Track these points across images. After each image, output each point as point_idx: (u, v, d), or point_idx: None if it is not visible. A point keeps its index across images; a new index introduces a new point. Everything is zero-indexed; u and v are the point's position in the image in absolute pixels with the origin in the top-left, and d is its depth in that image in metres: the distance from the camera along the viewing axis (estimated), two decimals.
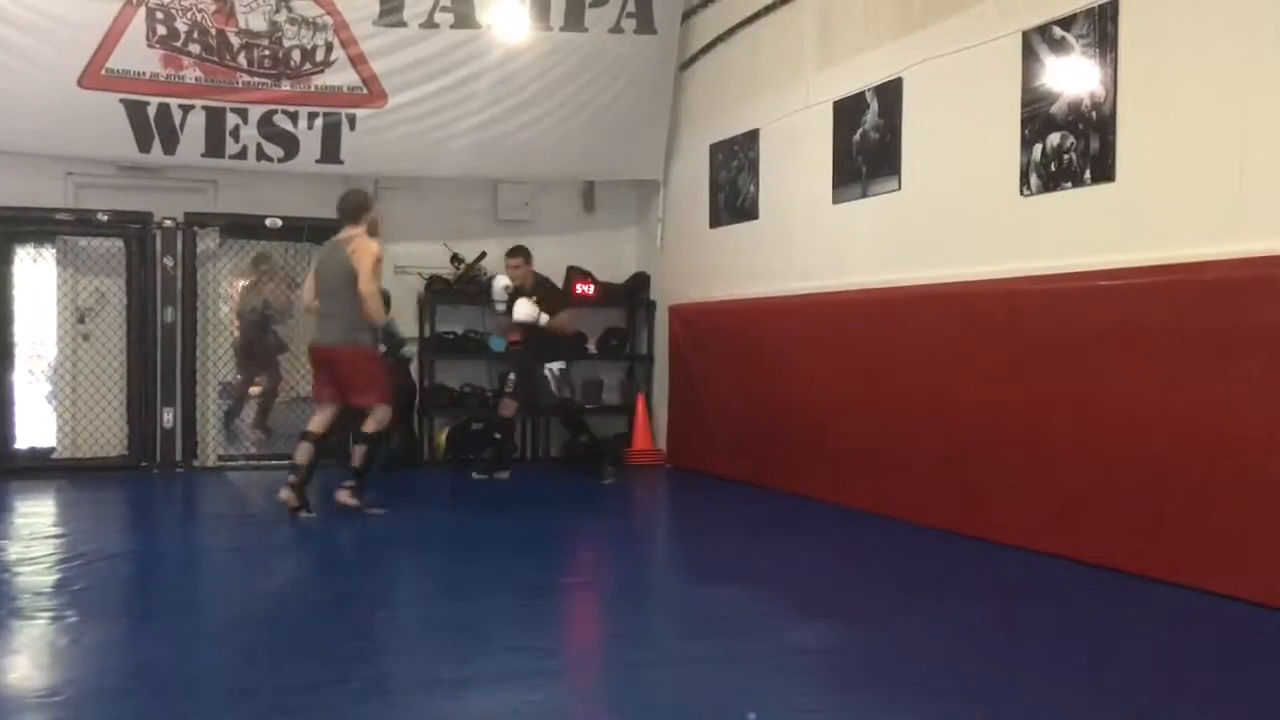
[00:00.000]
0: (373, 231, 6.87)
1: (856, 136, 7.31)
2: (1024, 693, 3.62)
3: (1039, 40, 5.81)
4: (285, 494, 6.67)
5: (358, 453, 6.78)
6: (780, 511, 7.38)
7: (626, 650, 4.25)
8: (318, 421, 6.83)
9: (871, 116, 7.17)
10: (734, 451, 8.65)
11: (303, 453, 6.75)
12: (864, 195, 7.25)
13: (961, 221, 6.39)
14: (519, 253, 8.56)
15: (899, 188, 6.93)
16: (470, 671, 3.82)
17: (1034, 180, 5.85)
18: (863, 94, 7.23)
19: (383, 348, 7.51)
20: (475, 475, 8.49)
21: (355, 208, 6.84)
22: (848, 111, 7.39)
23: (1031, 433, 5.75)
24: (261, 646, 4.21)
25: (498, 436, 8.74)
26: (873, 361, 7.04)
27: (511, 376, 8.62)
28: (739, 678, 3.81)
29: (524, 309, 8.21)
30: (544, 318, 8.22)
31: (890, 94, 6.98)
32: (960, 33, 6.36)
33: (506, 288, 8.36)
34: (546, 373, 8.33)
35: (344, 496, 6.69)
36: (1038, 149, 5.82)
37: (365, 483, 6.78)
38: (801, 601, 4.91)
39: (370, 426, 6.75)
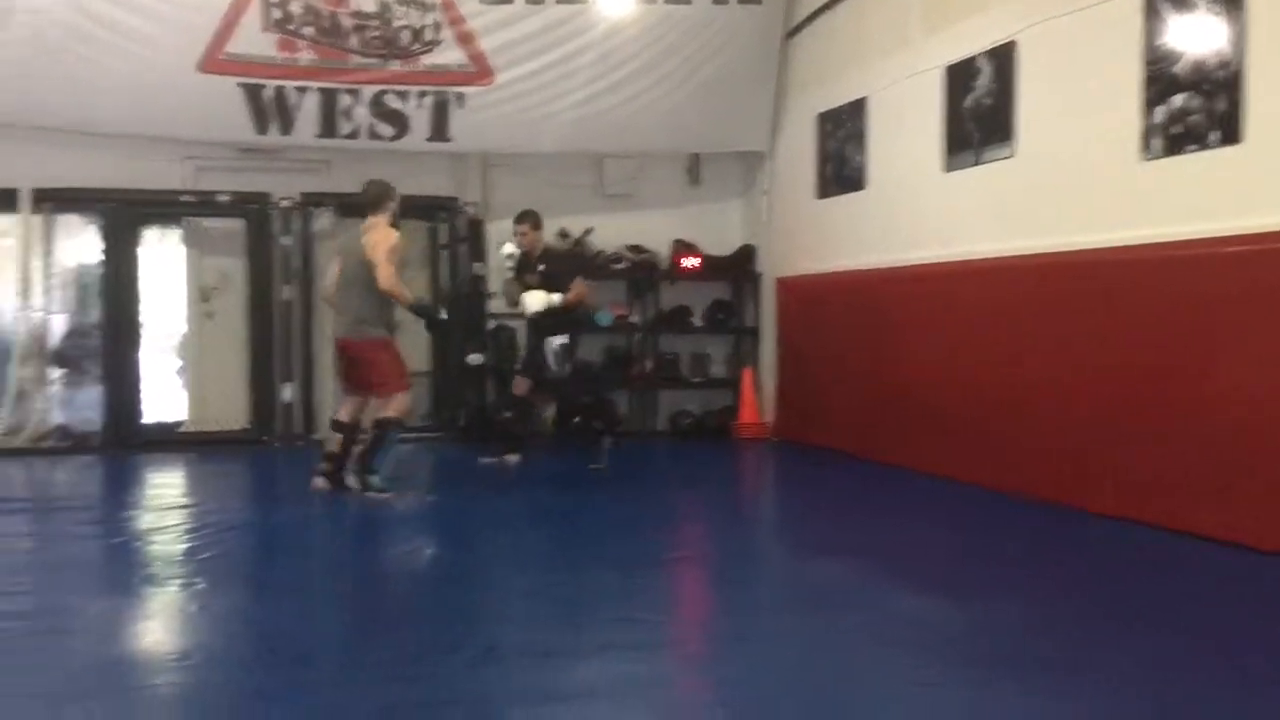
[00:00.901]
0: (393, 222, 6.80)
1: (968, 102, 7.13)
2: (1137, 671, 3.52)
3: None
4: (319, 482, 6.67)
5: (370, 437, 6.63)
6: (889, 484, 7.30)
7: (732, 622, 4.26)
8: (346, 411, 6.84)
9: (984, 81, 6.98)
10: (842, 424, 8.56)
11: (332, 441, 6.82)
12: (976, 163, 7.08)
13: (1079, 188, 6.19)
14: (526, 218, 7.86)
15: (1013, 154, 6.74)
16: (576, 642, 3.87)
17: (1156, 144, 5.63)
18: (974, 59, 7.04)
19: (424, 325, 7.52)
20: (482, 461, 7.93)
21: (376, 198, 6.79)
22: (959, 77, 7.21)
23: (1153, 404, 5.56)
24: (376, 615, 4.34)
25: (507, 415, 8.20)
26: (984, 332, 6.89)
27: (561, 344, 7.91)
28: (848, 650, 3.79)
29: (536, 301, 7.56)
30: (556, 298, 7.58)
31: (1004, 58, 6.78)
32: None
33: (511, 255, 7.73)
34: (547, 347, 7.76)
35: (351, 481, 6.66)
36: (1160, 111, 5.60)
37: (372, 465, 6.60)
38: (911, 574, 4.85)
39: (388, 412, 6.64)
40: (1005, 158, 6.80)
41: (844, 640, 3.90)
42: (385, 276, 6.48)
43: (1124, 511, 5.65)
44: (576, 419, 8.23)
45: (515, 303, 7.80)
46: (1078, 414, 6.06)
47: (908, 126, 7.79)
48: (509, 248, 7.76)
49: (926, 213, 7.60)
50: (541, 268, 7.73)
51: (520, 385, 8.08)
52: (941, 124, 7.39)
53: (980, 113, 7.03)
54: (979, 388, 6.92)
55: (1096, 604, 4.34)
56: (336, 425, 6.86)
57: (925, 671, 3.53)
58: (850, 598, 4.46)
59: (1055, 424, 6.23)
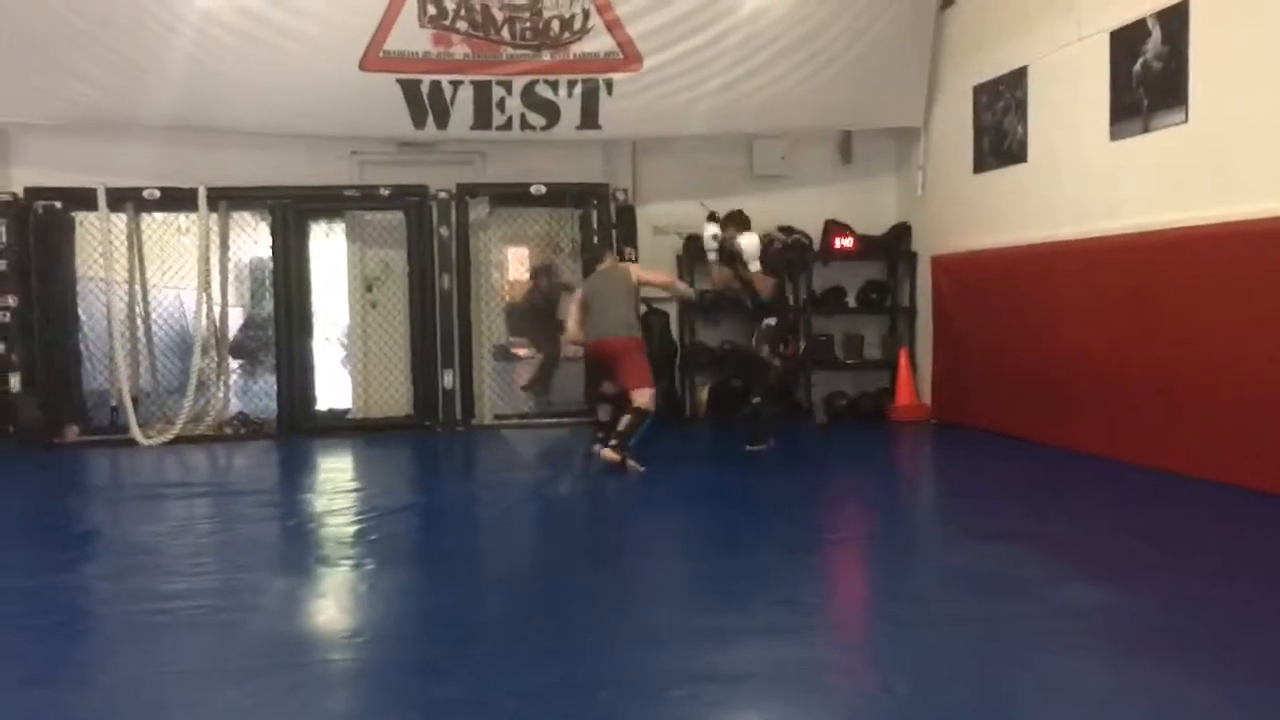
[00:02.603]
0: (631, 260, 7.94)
1: (1136, 67, 6.81)
2: None
3: None
4: (606, 451, 7.09)
5: (624, 420, 7.08)
6: (1050, 466, 7.06)
7: (891, 607, 4.19)
8: (610, 388, 7.49)
9: (1154, 44, 6.65)
10: (1002, 406, 8.32)
11: (604, 412, 7.56)
12: (1145, 130, 6.76)
13: (1258, 153, 5.85)
14: (731, 222, 7.89)
15: (1186, 120, 6.41)
16: (733, 623, 3.86)
17: None
18: (1144, 21, 6.71)
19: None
20: (749, 448, 7.88)
21: (603, 250, 8.17)
22: (1126, 41, 6.89)
23: None
24: (539, 594, 4.42)
25: (757, 401, 8.07)
26: (1153, 308, 6.58)
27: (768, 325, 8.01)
28: (1009, 637, 3.69)
29: (751, 241, 7.62)
30: (756, 265, 7.62)
31: (1175, 19, 6.45)
32: None
33: (715, 235, 7.82)
34: (757, 329, 7.93)
35: (606, 452, 7.07)
36: None
37: (628, 442, 6.99)
38: (1074, 560, 4.68)
39: (640, 403, 7.09)
40: (1177, 123, 6.47)
41: (1009, 627, 3.79)
42: (665, 279, 8.12)
43: None
44: (756, 399, 8.04)
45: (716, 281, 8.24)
46: (1255, 392, 5.74)
47: (1071, 95, 7.49)
48: (711, 228, 7.92)
49: (1092, 184, 7.30)
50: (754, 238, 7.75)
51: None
52: (1107, 91, 7.08)
53: (1149, 78, 6.70)
54: (1146, 366, 6.62)
55: (1272, 592, 4.11)
56: (603, 398, 7.63)
57: (1093, 659, 3.40)
58: (1015, 584, 4.32)
59: (1231, 404, 5.91)
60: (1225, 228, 5.99)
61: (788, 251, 8.69)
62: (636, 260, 8.20)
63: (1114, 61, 7.02)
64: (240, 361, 9.93)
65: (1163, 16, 6.55)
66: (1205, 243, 6.14)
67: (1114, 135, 7.05)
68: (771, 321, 7.91)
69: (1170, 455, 6.38)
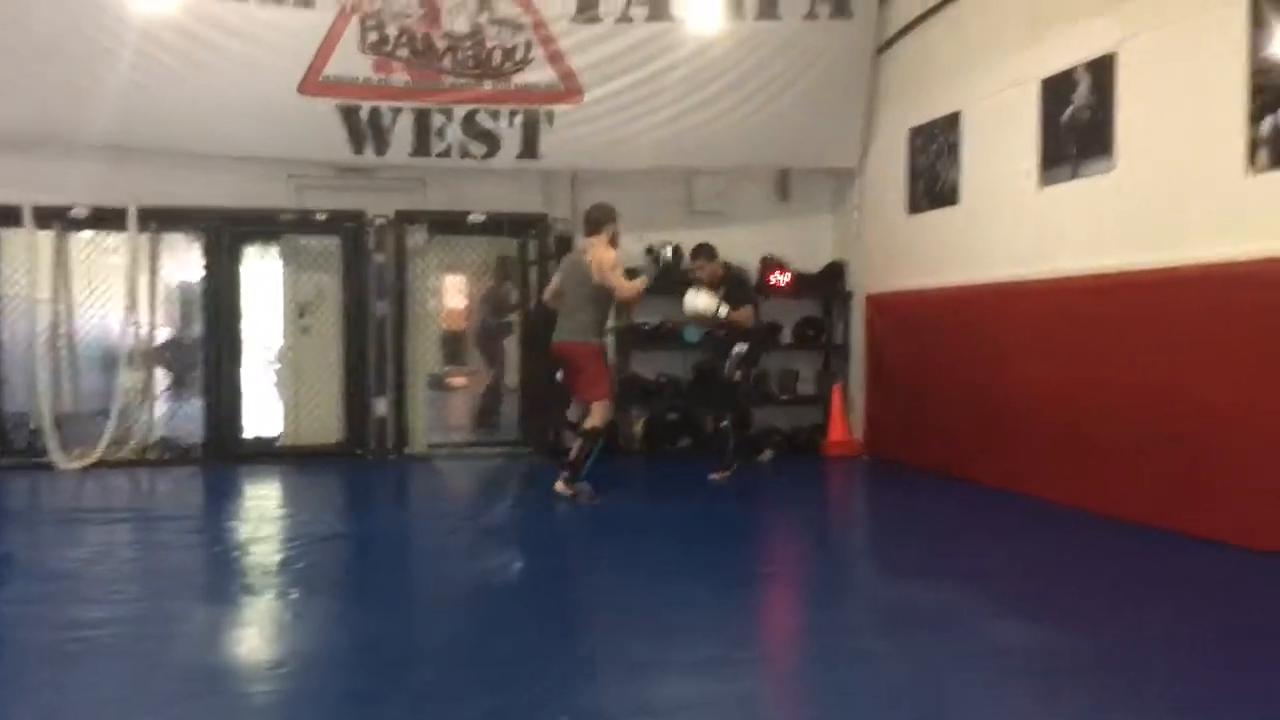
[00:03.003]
0: (613, 243, 7.25)
1: (1066, 115, 6.99)
2: (1243, 708, 3.39)
3: (1269, 6, 5.41)
4: (558, 485, 7.09)
5: (575, 445, 7.07)
6: (981, 504, 7.16)
7: (823, 642, 4.21)
8: (574, 412, 7.38)
9: (1083, 94, 6.84)
10: (933, 443, 8.43)
11: (569, 440, 7.38)
12: (1074, 177, 6.93)
13: (1183, 201, 6.02)
14: (701, 253, 8.25)
15: (1112, 168, 6.59)
16: (667, 656, 3.85)
17: (1263, 156, 5.46)
18: (1073, 70, 6.90)
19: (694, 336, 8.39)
20: (711, 477, 8.02)
21: (598, 220, 7.29)
22: (1056, 90, 7.08)
23: (1263, 425, 5.37)
24: (469, 624, 4.38)
25: (725, 424, 8.23)
26: (1082, 351, 6.72)
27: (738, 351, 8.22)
28: (938, 675, 3.72)
29: (702, 301, 7.95)
30: (724, 309, 7.92)
31: (1103, 69, 6.64)
32: (1179, 2, 5.99)
33: (708, 306, 7.96)
34: (728, 356, 8.11)
35: (559, 486, 7.05)
36: (1268, 122, 5.42)
37: (580, 473, 7.04)
38: (1004, 598, 4.74)
39: (591, 421, 7.07)
40: (1104, 172, 6.65)
41: (937, 665, 3.82)
42: (624, 288, 7.13)
43: (1233, 538, 5.46)
44: (725, 424, 8.21)
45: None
46: (1180, 433, 5.88)
47: (1003, 141, 7.67)
48: (701, 300, 7.96)
49: (1022, 228, 7.45)
50: (721, 291, 8.06)
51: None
52: (1038, 138, 7.25)
53: (1078, 126, 6.88)
54: (1076, 407, 6.75)
55: (1202, 629, 4.20)
56: (571, 426, 7.46)
57: (1020, 697, 3.45)
58: (944, 621, 4.37)
59: (1158, 446, 6.05)
60: (1150, 274, 6.15)
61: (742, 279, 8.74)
62: (616, 241, 7.34)
63: (1044, 109, 7.20)
64: (167, 385, 9.71)
65: (1091, 67, 6.74)
66: (1131, 288, 6.30)
67: (1044, 181, 7.22)
68: (743, 348, 8.11)
69: (1096, 495, 6.50)
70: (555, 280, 7.54)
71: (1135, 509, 6.14)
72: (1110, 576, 5.19)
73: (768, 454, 8.80)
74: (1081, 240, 6.85)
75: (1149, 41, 6.26)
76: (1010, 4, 7.61)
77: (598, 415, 7.06)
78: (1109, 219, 6.61)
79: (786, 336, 10.17)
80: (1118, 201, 6.54)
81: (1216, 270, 5.68)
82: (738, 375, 8.16)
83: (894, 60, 9.36)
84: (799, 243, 10.24)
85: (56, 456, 8.63)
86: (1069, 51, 6.93)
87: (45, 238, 8.98)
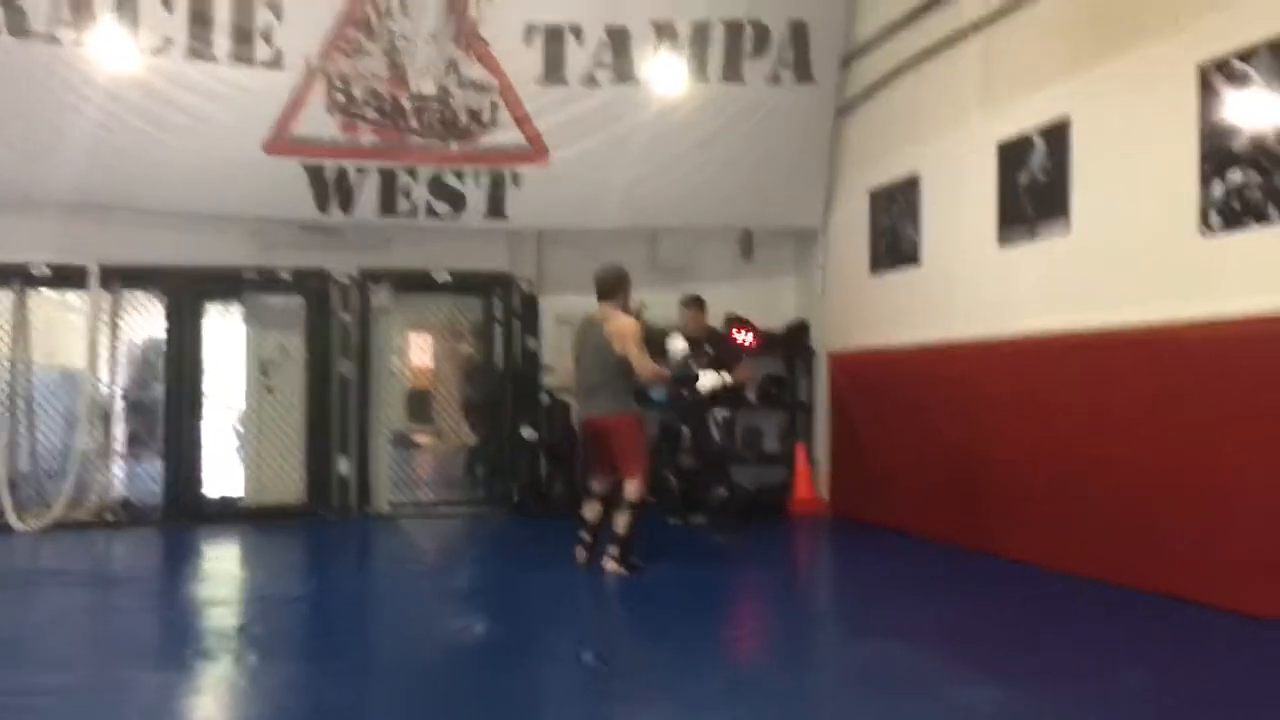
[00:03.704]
0: (626, 307, 6.93)
1: (1023, 179, 7.11)
2: None
3: (1217, 74, 5.56)
4: (581, 554, 6.81)
5: (620, 521, 6.64)
6: (946, 564, 7.16)
7: (788, 708, 4.17)
8: (596, 484, 6.94)
9: (1039, 158, 6.97)
10: (897, 502, 8.45)
11: (590, 510, 6.92)
12: (1032, 238, 7.04)
13: (1138, 264, 6.12)
14: (695, 303, 8.40)
15: (1069, 230, 6.70)
16: None
17: (1215, 219, 5.58)
18: (1029, 135, 7.04)
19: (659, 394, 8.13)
20: (721, 540, 8.11)
21: (610, 286, 6.86)
22: (1013, 153, 7.21)
23: (1220, 487, 5.43)
24: (430, 691, 4.31)
25: (724, 494, 8.35)
26: (1043, 410, 6.79)
27: (686, 431, 8.45)
28: None
29: (711, 382, 7.90)
30: (727, 378, 8.01)
31: (1058, 134, 6.77)
32: (1131, 70, 6.15)
33: (684, 350, 7.72)
34: (710, 421, 8.25)
35: (610, 565, 6.63)
36: (1218, 186, 5.55)
37: (630, 550, 6.65)
38: (970, 659, 4.73)
39: (632, 494, 6.64)
40: (1061, 234, 6.76)
41: None
42: (645, 369, 6.63)
43: (1196, 595, 5.49)
44: (722, 490, 8.33)
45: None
46: (1142, 492, 5.93)
47: (962, 202, 7.79)
48: (679, 343, 7.70)
49: (982, 289, 7.55)
50: (710, 350, 8.15)
51: (689, 460, 8.59)
52: (995, 200, 7.37)
53: (1035, 189, 7.01)
54: (1037, 466, 6.80)
55: (1169, 694, 4.20)
56: (591, 494, 6.96)
57: None
58: (909, 683, 4.36)
59: (1118, 506, 6.09)
60: (1105, 334, 6.24)
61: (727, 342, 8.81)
62: (637, 312, 7.13)
63: (1001, 172, 7.33)
64: (126, 445, 9.58)
65: (1046, 132, 6.88)
66: (1088, 347, 6.38)
67: (1002, 242, 7.33)
68: (727, 413, 8.30)
69: (1059, 554, 6.52)
70: (568, 362, 7.15)
71: (1099, 568, 6.16)
72: (1076, 637, 5.19)
73: (700, 517, 8.60)
74: (1039, 301, 6.94)
75: (1102, 107, 6.40)
76: (967, 70, 7.77)
77: (639, 489, 6.63)
78: (1065, 280, 6.71)
79: (751, 395, 10.20)
80: (1073, 263, 6.64)
81: (1169, 331, 5.77)
82: (725, 441, 8.37)
83: (855, 123, 9.51)
84: (763, 302, 10.30)
85: (11, 517, 8.48)
86: (1024, 116, 7.07)
87: (4, 295, 8.91)
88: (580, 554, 6.84)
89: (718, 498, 8.30)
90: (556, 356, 9.16)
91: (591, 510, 6.91)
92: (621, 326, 6.67)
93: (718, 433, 8.29)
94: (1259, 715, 3.92)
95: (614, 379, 6.68)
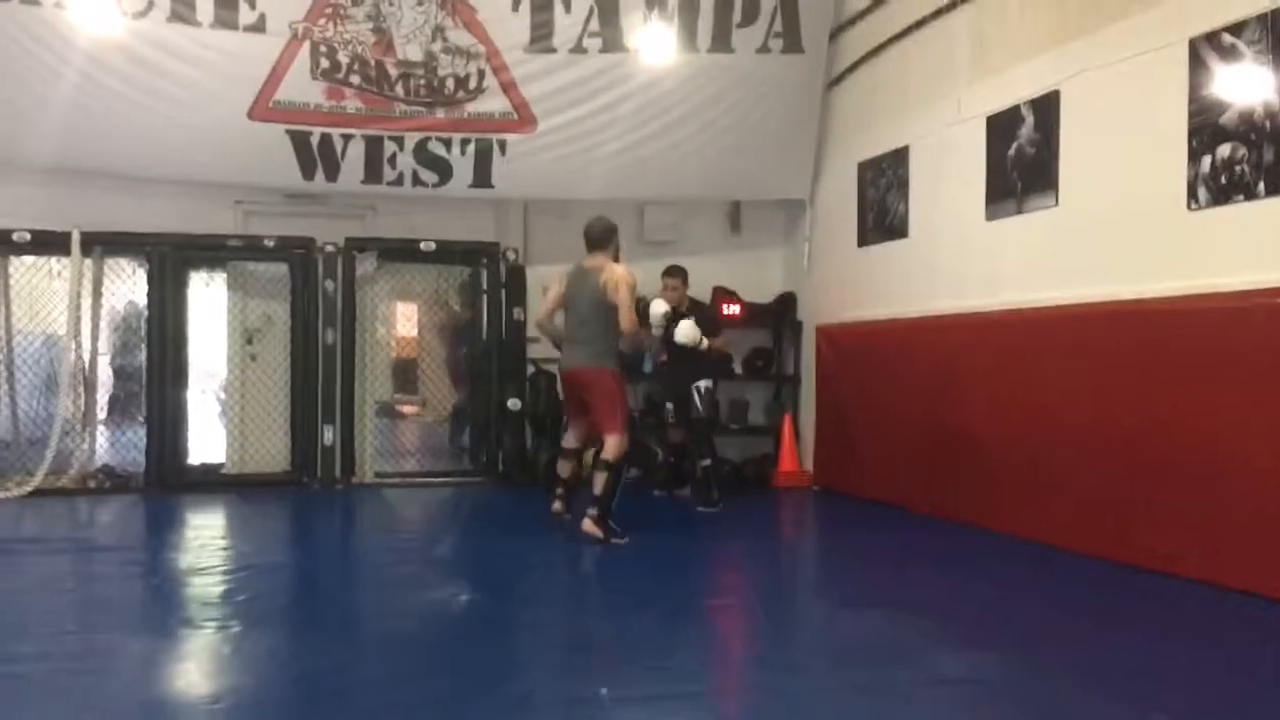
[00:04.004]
0: (618, 260, 6.92)
1: (1011, 151, 7.10)
2: None
3: (1207, 48, 5.54)
4: (556, 506, 6.96)
5: (599, 480, 6.58)
6: (930, 536, 7.19)
7: (770, 675, 4.19)
8: (572, 438, 7.07)
9: (1027, 131, 6.95)
10: (883, 474, 8.48)
11: (564, 468, 7.08)
12: (1019, 212, 7.04)
13: (1124, 238, 6.13)
14: (678, 273, 8.38)
15: (1056, 204, 6.70)
16: (612, 692, 3.81)
17: (1203, 194, 5.58)
18: (1017, 108, 7.02)
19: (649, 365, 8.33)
20: (701, 509, 8.13)
21: (602, 236, 6.88)
22: (1002, 126, 7.19)
23: (1199, 457, 5.46)
24: (413, 659, 4.31)
25: (706, 464, 8.24)
26: (1028, 383, 6.81)
27: (670, 405, 8.47)
28: (886, 706, 3.72)
29: (687, 331, 7.95)
30: (705, 341, 8.04)
31: (1046, 107, 6.76)
32: (1121, 42, 6.13)
33: (666, 313, 7.96)
34: (693, 391, 8.24)
35: (588, 525, 6.53)
36: (1206, 161, 5.54)
37: (609, 511, 6.60)
38: (953, 630, 4.76)
39: (610, 453, 6.62)
40: (1049, 207, 6.76)
41: (886, 696, 3.82)
42: (628, 319, 6.60)
43: (1178, 569, 5.53)
44: (706, 461, 8.26)
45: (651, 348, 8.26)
46: (1122, 466, 5.96)
47: (950, 175, 7.77)
48: (661, 305, 7.99)
49: (969, 262, 7.55)
50: (691, 319, 8.09)
51: (675, 434, 8.60)
52: (984, 173, 7.36)
53: (1023, 162, 7.00)
54: (1022, 438, 6.83)
55: (1142, 658, 4.24)
56: (565, 452, 7.13)
57: None
58: (892, 653, 4.38)
59: (1101, 478, 6.13)
60: (1091, 308, 6.25)
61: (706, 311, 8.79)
62: (620, 260, 6.96)
63: (990, 145, 7.31)
64: (109, 412, 9.53)
65: (1035, 104, 6.86)
66: (1073, 321, 6.39)
67: (990, 215, 7.32)
68: (710, 384, 8.29)
69: (1041, 526, 6.57)
70: (553, 295, 6.99)
71: (1084, 540, 6.20)
72: (1055, 607, 5.22)
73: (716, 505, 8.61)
74: (1026, 274, 6.94)
75: (1091, 80, 6.38)
76: (956, 41, 7.74)
77: (617, 446, 6.59)
78: (1052, 254, 6.72)
79: (737, 367, 10.20)
80: (1060, 237, 6.64)
81: (1156, 305, 5.79)
82: (710, 411, 8.32)
83: (844, 95, 9.47)
84: (750, 274, 10.29)
85: None
86: (1013, 89, 7.05)
87: None
88: (557, 505, 6.95)
89: (700, 469, 8.31)
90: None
91: (565, 468, 7.04)
92: (618, 274, 6.66)
93: (701, 403, 8.28)
94: (1242, 688, 3.95)
95: (603, 332, 6.65)
